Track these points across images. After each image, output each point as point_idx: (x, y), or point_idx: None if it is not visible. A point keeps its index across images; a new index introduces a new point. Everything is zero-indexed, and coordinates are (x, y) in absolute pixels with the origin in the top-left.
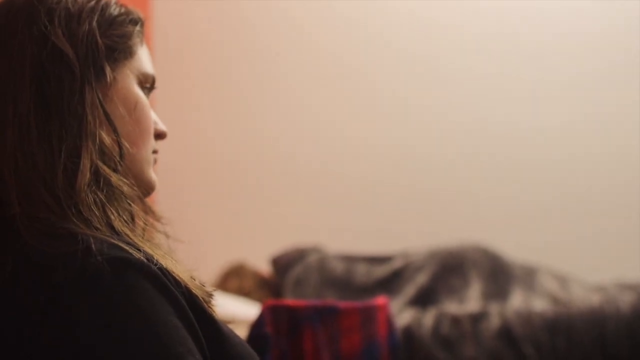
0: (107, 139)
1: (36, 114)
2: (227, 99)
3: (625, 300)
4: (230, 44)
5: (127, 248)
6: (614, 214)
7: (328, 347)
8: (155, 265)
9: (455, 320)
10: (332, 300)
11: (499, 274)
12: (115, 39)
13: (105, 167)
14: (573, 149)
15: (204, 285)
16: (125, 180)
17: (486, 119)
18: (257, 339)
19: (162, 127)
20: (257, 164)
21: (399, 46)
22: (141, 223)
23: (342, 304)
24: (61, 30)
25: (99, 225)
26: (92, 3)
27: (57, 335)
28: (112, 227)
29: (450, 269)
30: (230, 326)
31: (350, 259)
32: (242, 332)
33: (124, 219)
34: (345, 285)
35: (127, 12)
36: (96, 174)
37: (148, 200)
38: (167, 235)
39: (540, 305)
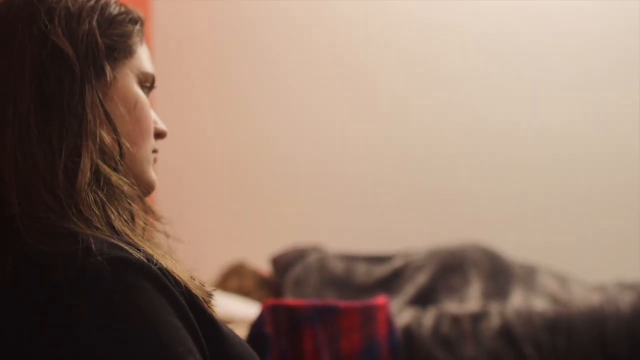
0: (107, 138)
1: (36, 113)
2: (227, 99)
3: (625, 300)
4: (230, 44)
5: (127, 248)
6: (614, 214)
7: (328, 347)
8: (155, 265)
9: (455, 320)
10: (332, 300)
11: (499, 274)
12: (115, 38)
13: (105, 167)
14: (573, 149)
15: (203, 285)
16: (125, 179)
17: (486, 119)
18: (257, 339)
19: (162, 126)
20: (257, 164)
21: (399, 46)
22: (141, 222)
23: (342, 303)
24: (61, 30)
25: (99, 225)
26: (92, 2)
27: (57, 335)
28: (112, 227)
29: (450, 269)
30: (230, 326)
31: (350, 259)
32: (242, 332)
33: (124, 218)
34: (345, 284)
35: (127, 12)
36: (96, 173)
37: (148, 199)
38: (167, 235)
39: (540, 305)
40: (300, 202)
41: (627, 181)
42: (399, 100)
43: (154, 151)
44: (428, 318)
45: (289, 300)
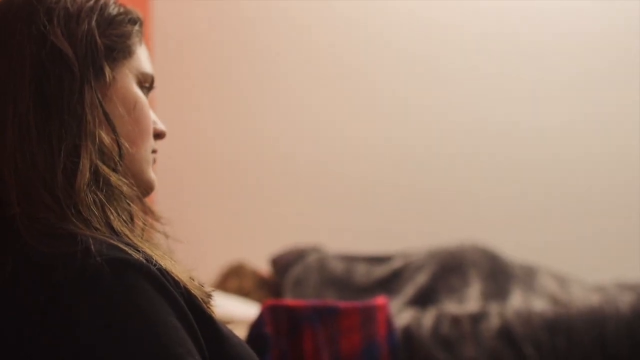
0: (107, 139)
1: (36, 113)
2: (227, 99)
3: (625, 301)
4: (230, 44)
5: (126, 249)
6: (614, 214)
7: (328, 347)
8: (155, 265)
9: (455, 320)
10: (331, 300)
11: (498, 274)
12: (114, 39)
13: (104, 167)
14: (573, 149)
15: (202, 286)
16: (124, 180)
17: (486, 119)
18: (256, 339)
19: (161, 126)
20: (257, 164)
21: (399, 46)
22: (140, 223)
23: (342, 304)
24: (60, 30)
25: (98, 225)
26: (91, 3)
27: (57, 335)
28: (111, 227)
29: (450, 269)
30: (230, 326)
31: (350, 259)
32: (241, 332)
33: (123, 219)
34: (345, 285)
35: (126, 12)
36: (95, 173)
37: (147, 200)
38: (166, 235)
39: (540, 305)
40: (300, 202)
41: (627, 181)
42: (399, 100)
43: (154, 151)
44: (428, 318)
45: (289, 300)
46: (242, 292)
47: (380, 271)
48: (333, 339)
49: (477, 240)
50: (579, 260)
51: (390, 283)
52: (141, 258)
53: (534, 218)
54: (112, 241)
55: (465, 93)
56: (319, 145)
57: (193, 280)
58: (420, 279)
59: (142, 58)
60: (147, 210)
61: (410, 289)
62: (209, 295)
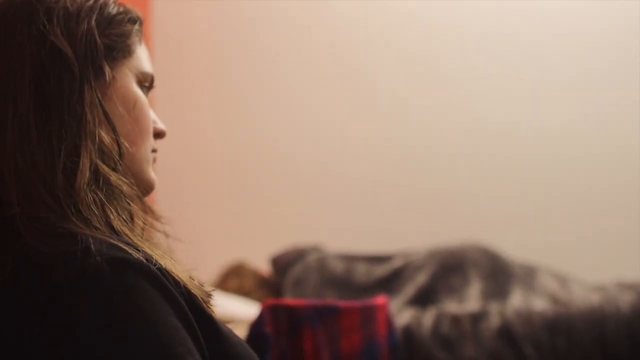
0: (107, 138)
1: (36, 113)
2: (227, 99)
3: (625, 300)
4: (230, 44)
5: (126, 248)
6: (614, 214)
7: (328, 347)
8: (155, 265)
9: (455, 320)
10: (332, 299)
11: (498, 274)
12: (114, 38)
13: (104, 166)
14: (573, 149)
15: (202, 285)
16: (124, 179)
17: (486, 119)
18: (256, 339)
19: (161, 126)
20: (257, 164)
21: (399, 46)
22: (140, 222)
23: (342, 303)
24: (60, 30)
25: (98, 225)
26: (91, 2)
27: (57, 335)
28: (111, 227)
29: (450, 269)
30: (230, 326)
31: (350, 259)
32: (241, 332)
33: (123, 218)
34: (345, 284)
35: (126, 11)
36: (95, 173)
37: (147, 199)
38: (166, 235)
39: (540, 304)
40: (300, 202)
41: (627, 181)
42: (399, 100)
43: (154, 151)
44: (428, 318)
45: (289, 300)
46: (242, 292)
47: (381, 271)
48: (333, 339)
49: (477, 240)
50: (579, 260)
51: (390, 283)
52: (141, 257)
53: (534, 218)
54: (112, 240)
55: (465, 93)
56: (319, 145)
57: (193, 279)
58: (421, 279)
59: (142, 57)
60: (147, 210)
61: (410, 289)
62: (209, 295)
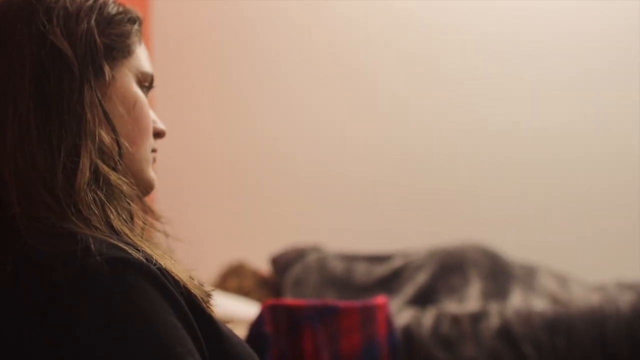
0: (107, 138)
1: (36, 113)
2: (227, 99)
3: (625, 300)
4: (230, 44)
5: (126, 248)
6: (614, 214)
7: (328, 347)
8: (154, 265)
9: (455, 320)
10: (331, 299)
11: (498, 274)
12: (114, 38)
13: (104, 166)
14: (573, 149)
15: (202, 285)
16: (124, 179)
17: (486, 119)
18: (256, 339)
19: (161, 126)
20: (257, 164)
21: (399, 46)
22: (140, 222)
23: (342, 303)
24: (59, 30)
25: (98, 225)
26: (90, 2)
27: (57, 335)
28: (111, 226)
29: (450, 269)
30: (230, 326)
31: (350, 259)
32: (241, 332)
33: (123, 218)
34: (344, 284)
35: (125, 11)
36: (96, 172)
37: (147, 199)
38: (166, 235)
39: (540, 304)
40: (300, 202)
41: (627, 181)
42: (399, 100)
43: (153, 151)
44: (428, 318)
45: (289, 300)
46: (242, 292)
47: (380, 271)
48: (333, 339)
49: (477, 240)
50: (579, 259)
51: (390, 282)
52: (141, 257)
53: (534, 218)
54: (112, 240)
55: (465, 93)
56: (319, 145)
57: (193, 279)
58: (421, 279)
59: (142, 57)
60: (147, 210)
61: (410, 289)
62: (209, 295)
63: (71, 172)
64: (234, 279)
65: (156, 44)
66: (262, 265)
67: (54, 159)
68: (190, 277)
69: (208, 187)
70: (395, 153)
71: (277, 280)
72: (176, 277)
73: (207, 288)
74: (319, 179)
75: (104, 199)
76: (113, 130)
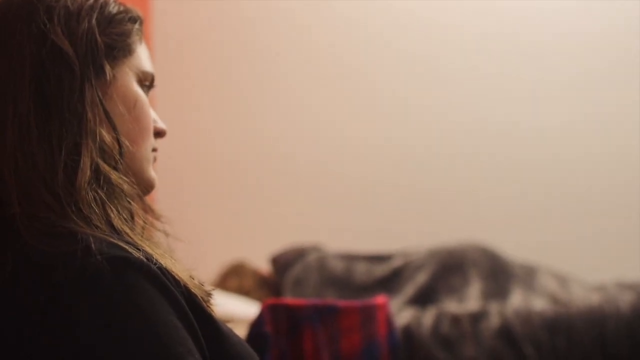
0: (107, 137)
1: (36, 113)
2: (227, 99)
3: (625, 300)
4: (230, 44)
5: (126, 247)
6: (614, 214)
7: (328, 347)
8: (155, 264)
9: (455, 320)
10: (331, 299)
11: (498, 274)
12: (115, 37)
13: (105, 165)
14: (573, 149)
15: (203, 285)
16: (125, 178)
17: (486, 119)
18: (256, 338)
19: (161, 125)
20: (257, 163)
21: (399, 46)
22: (140, 221)
23: (342, 303)
24: (60, 29)
25: (98, 224)
26: (91, 1)
27: (57, 335)
28: (111, 225)
29: (450, 268)
30: (230, 325)
31: (350, 258)
32: (241, 331)
33: (123, 217)
34: (345, 284)
35: (126, 11)
36: (96, 171)
37: (148, 198)
38: (166, 234)
39: (540, 304)
40: (300, 202)
41: (627, 181)
42: (399, 100)
43: (154, 150)
44: (428, 318)
45: (289, 299)
46: (242, 291)
47: (381, 270)
48: (333, 338)
49: (477, 240)
50: (579, 259)
51: (390, 282)
52: (141, 257)
53: (534, 218)
54: (112, 239)
55: (465, 93)
56: (319, 145)
57: (193, 279)
58: (421, 278)
59: (142, 56)
60: (148, 209)
61: (410, 288)
62: (209, 294)
63: (72, 171)
64: (234, 278)
65: (156, 44)
66: (262, 264)
67: (55, 158)
68: (190, 276)
69: (208, 187)
70: (395, 153)
71: (277, 279)
72: (176, 277)
73: (208, 287)
74: (319, 179)
75: (104, 198)
76: (114, 129)
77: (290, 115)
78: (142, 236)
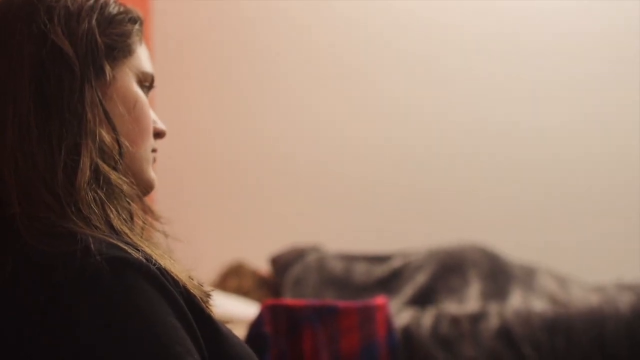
0: (107, 137)
1: (36, 113)
2: (227, 99)
3: (625, 301)
4: (230, 44)
5: (125, 248)
6: (614, 215)
7: (327, 347)
8: (154, 265)
9: (455, 320)
10: (331, 299)
11: (498, 274)
12: (115, 38)
13: (105, 165)
14: (573, 149)
15: (202, 285)
16: (124, 178)
17: (486, 119)
18: (256, 339)
19: (161, 126)
20: (257, 163)
21: (399, 46)
22: (140, 222)
23: (341, 303)
24: (60, 29)
25: (98, 224)
26: (92, 2)
27: (57, 335)
28: (111, 226)
29: (449, 269)
30: (229, 326)
31: (350, 259)
32: (241, 332)
33: (123, 217)
34: (344, 284)
35: (126, 11)
36: (96, 172)
37: (147, 199)
38: (165, 235)
39: (539, 305)
40: (300, 202)
41: (627, 181)
42: (399, 100)
43: (154, 151)
44: (427, 318)
45: (288, 300)
46: (242, 292)
47: (380, 271)
48: (332, 339)
49: (477, 240)
50: (579, 260)
51: (389, 283)
52: (141, 257)
53: (534, 218)
54: (111, 240)
55: (465, 93)
56: (319, 145)
57: (192, 279)
58: (420, 279)
59: (142, 57)
60: (147, 210)
61: (409, 289)
62: (208, 295)
63: (71, 171)
64: (234, 279)
65: (156, 44)
66: (261, 265)
67: (54, 158)
68: (189, 277)
69: (208, 187)
70: (395, 153)
71: (276, 280)
72: (175, 277)
73: (207, 288)
74: (319, 179)
75: (104, 198)
76: (113, 129)
77: (290, 115)
78: (141, 237)
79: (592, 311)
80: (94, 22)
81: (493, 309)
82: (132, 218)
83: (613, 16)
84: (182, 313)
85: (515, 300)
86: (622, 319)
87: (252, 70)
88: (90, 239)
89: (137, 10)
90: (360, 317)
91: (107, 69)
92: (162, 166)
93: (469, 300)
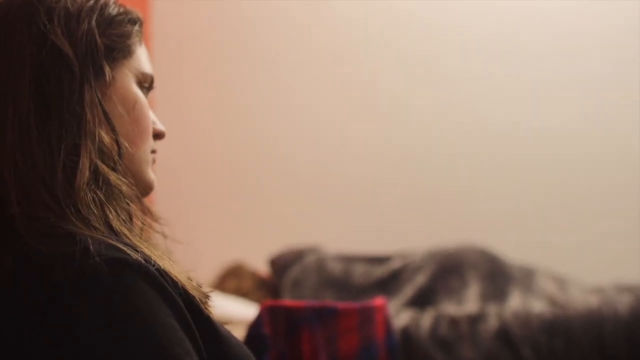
0: (106, 138)
1: (36, 113)
2: (226, 99)
3: (624, 302)
4: (230, 44)
5: (124, 249)
6: (614, 215)
7: (326, 348)
8: (153, 266)
9: (453, 322)
10: (330, 300)
11: (497, 275)
12: (114, 39)
13: (104, 166)
14: (573, 149)
15: (201, 286)
16: (124, 179)
17: (486, 119)
18: (254, 340)
19: (160, 127)
20: (257, 164)
21: (399, 46)
22: (139, 223)
23: (340, 304)
24: (60, 30)
25: (97, 225)
26: (91, 2)
27: (56, 335)
28: (110, 227)
29: (448, 270)
30: (228, 327)
31: (349, 260)
32: (239, 333)
33: (122, 218)
34: (343, 285)
35: (126, 12)
36: (95, 172)
37: (146, 200)
38: (164, 236)
39: (538, 306)
40: (300, 202)
41: (627, 181)
42: (399, 100)
43: (153, 151)
44: (426, 319)
45: (287, 301)
46: (241, 293)
47: (379, 272)
48: (331, 340)
49: (477, 240)
50: (578, 261)
51: (388, 284)
52: (139, 258)
53: (534, 218)
54: (110, 241)
55: (465, 93)
56: (319, 145)
57: (191, 280)
58: (419, 280)
59: (142, 58)
60: (146, 210)
61: (409, 290)
62: (207, 296)
63: (71, 172)
64: (233, 280)
65: (156, 44)
66: (260, 266)
67: (54, 158)
68: (188, 278)
69: (207, 187)
70: (395, 153)
71: (275, 281)
72: (174, 278)
73: (206, 289)
74: (319, 179)
75: (103, 199)
76: (113, 130)
77: (289, 115)
78: (140, 237)
79: (591, 313)
80: (93, 22)
81: (492, 310)
82: (131, 219)
83: (613, 16)
84: (181, 314)
85: (514, 302)
86: (621, 321)
87: (252, 70)
88: (89, 240)
89: (137, 11)
90: (359, 318)
91: (107, 69)
92: (162, 167)
93: (468, 302)
